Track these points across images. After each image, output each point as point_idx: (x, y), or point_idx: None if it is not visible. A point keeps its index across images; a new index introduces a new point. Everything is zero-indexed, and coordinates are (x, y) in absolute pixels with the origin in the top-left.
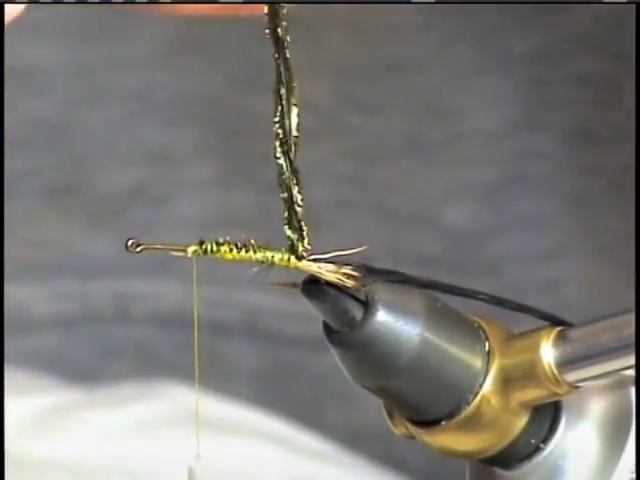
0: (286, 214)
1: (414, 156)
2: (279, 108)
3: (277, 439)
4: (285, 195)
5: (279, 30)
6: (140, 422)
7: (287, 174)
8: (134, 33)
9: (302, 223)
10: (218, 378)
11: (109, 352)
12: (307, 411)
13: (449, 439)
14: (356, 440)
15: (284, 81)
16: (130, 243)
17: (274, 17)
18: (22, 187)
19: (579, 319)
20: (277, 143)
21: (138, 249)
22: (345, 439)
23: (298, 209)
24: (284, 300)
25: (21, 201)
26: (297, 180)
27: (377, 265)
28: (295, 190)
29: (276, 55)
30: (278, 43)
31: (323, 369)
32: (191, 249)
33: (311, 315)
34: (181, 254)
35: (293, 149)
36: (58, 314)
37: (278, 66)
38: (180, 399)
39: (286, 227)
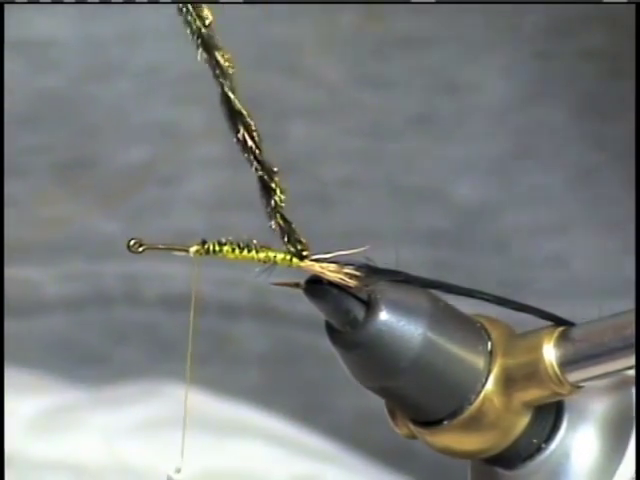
0: (275, 218)
1: (423, 132)
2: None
3: (280, 439)
4: (266, 199)
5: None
6: (141, 422)
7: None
8: (146, 8)
9: (290, 223)
10: (226, 361)
11: (118, 335)
12: (316, 394)
13: (451, 439)
14: (365, 424)
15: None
16: (132, 243)
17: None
18: (33, 163)
19: (587, 292)
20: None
21: (140, 249)
22: (355, 423)
23: (282, 210)
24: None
25: (32, 178)
26: (275, 182)
27: (387, 243)
28: (276, 192)
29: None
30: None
31: (333, 350)
32: (193, 249)
33: None
34: (183, 254)
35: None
36: (67, 296)
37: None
38: (181, 399)
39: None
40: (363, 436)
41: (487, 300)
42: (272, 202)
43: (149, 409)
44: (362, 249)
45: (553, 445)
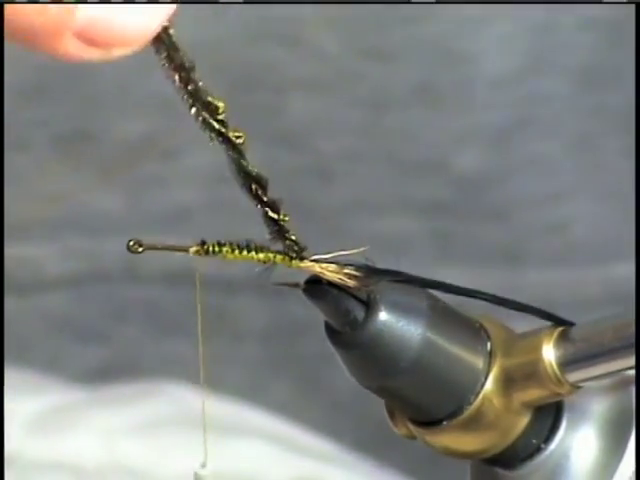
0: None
1: (424, 102)
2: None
3: (280, 439)
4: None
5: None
6: (141, 422)
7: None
8: None
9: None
10: (226, 338)
11: (119, 312)
12: (316, 371)
13: (451, 439)
14: (365, 399)
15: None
16: (132, 243)
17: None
18: (33, 136)
19: (588, 261)
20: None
21: (140, 249)
22: (355, 399)
23: (273, 214)
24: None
25: (31, 151)
26: (262, 186)
27: (387, 215)
28: (264, 196)
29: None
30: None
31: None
32: (193, 249)
33: None
34: (183, 254)
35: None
36: (68, 273)
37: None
38: (183, 399)
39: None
40: (363, 412)
41: (487, 300)
42: (276, 228)
43: (149, 409)
44: (362, 249)
45: (552, 445)
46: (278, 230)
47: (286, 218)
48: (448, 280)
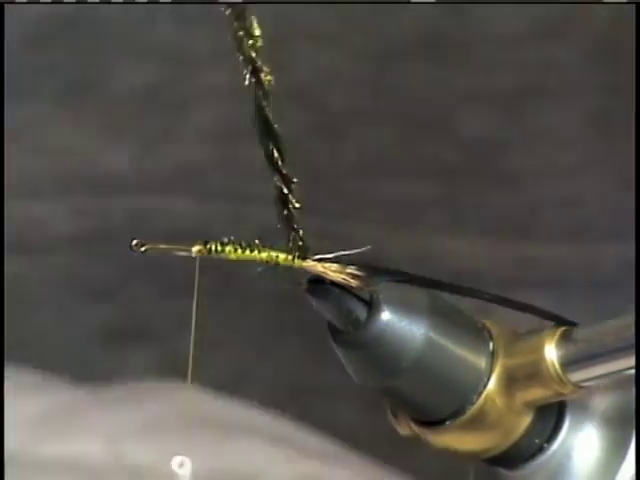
0: (284, 219)
1: (431, 58)
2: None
3: (281, 438)
4: (280, 203)
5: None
6: (141, 422)
7: (281, 184)
8: None
9: (299, 227)
10: (231, 301)
11: (126, 271)
12: (321, 335)
13: (453, 439)
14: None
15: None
16: (135, 243)
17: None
18: (36, 86)
19: (597, 234)
20: (267, 161)
21: (142, 249)
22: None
23: (295, 215)
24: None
25: (34, 102)
26: (292, 192)
27: (394, 178)
28: (292, 203)
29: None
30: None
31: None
32: (195, 249)
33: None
34: (185, 254)
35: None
36: (74, 232)
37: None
38: (185, 399)
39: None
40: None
41: (489, 300)
42: (286, 211)
43: (149, 409)
44: (364, 249)
45: (555, 445)
46: (287, 217)
47: (297, 205)
48: (462, 252)
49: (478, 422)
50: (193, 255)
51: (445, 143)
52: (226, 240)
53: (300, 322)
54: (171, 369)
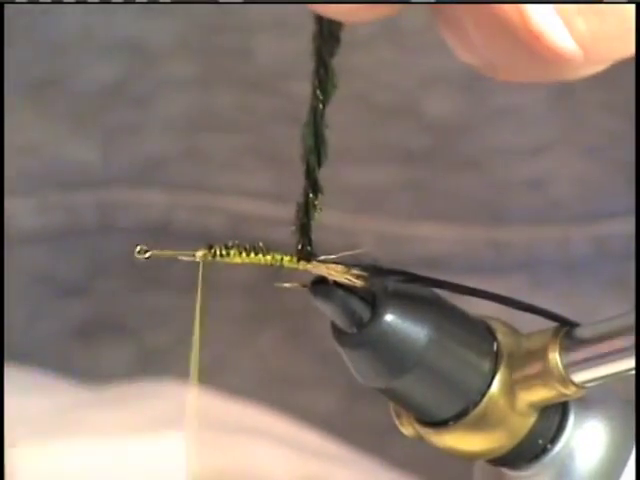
0: (299, 220)
1: (391, 42)
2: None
3: (282, 439)
4: (303, 210)
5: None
6: (142, 422)
7: (310, 194)
8: None
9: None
10: (209, 289)
11: (97, 266)
12: (302, 321)
13: (457, 440)
14: None
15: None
16: (138, 249)
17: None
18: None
19: (573, 218)
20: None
21: (147, 255)
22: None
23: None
24: (270, 207)
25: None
26: (317, 197)
27: (360, 163)
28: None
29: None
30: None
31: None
32: (199, 254)
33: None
34: (189, 259)
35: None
36: (43, 227)
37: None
38: (183, 398)
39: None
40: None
41: (492, 300)
42: (305, 220)
43: (149, 409)
44: (366, 249)
45: (559, 446)
46: (304, 225)
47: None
48: (432, 237)
49: (482, 423)
50: (197, 260)
51: (409, 126)
52: (230, 244)
53: (275, 311)
54: (150, 362)
